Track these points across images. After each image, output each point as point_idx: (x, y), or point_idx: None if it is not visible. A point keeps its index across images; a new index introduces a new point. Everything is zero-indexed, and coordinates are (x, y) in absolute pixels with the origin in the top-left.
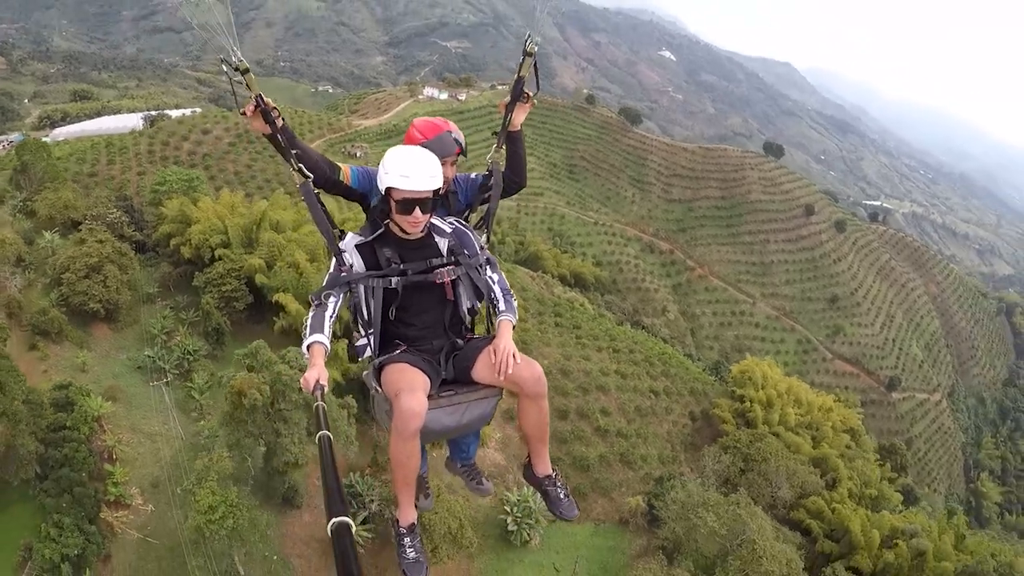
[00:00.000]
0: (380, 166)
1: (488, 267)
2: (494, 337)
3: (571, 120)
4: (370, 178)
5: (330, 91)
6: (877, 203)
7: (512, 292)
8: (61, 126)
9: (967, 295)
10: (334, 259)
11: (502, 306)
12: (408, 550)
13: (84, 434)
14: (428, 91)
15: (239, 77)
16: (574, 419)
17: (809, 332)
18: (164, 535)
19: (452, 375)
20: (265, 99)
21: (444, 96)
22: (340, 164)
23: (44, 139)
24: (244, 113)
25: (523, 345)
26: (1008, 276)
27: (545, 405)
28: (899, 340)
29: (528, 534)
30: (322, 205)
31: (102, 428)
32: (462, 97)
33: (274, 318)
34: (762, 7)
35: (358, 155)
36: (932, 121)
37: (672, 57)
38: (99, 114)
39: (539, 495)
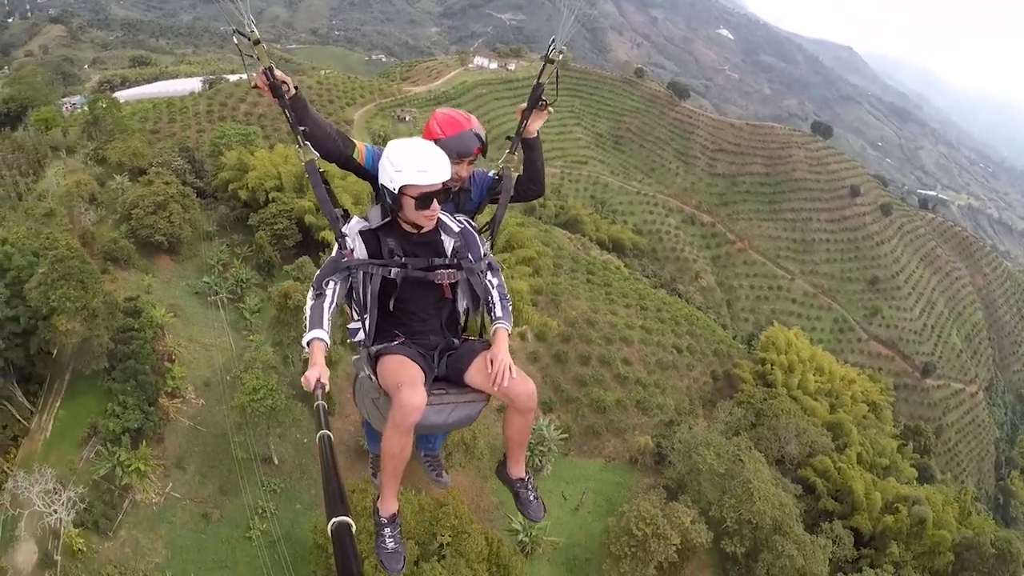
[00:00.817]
0: (388, 163)
1: (489, 271)
2: (490, 343)
3: (619, 92)
4: None
5: (383, 60)
6: (932, 193)
7: (509, 297)
8: (121, 90)
9: (1015, 290)
10: (336, 243)
11: (499, 311)
12: (388, 540)
13: (149, 336)
14: (478, 60)
15: (250, 50)
16: (595, 365)
17: (846, 311)
18: (211, 425)
19: (444, 373)
20: (275, 72)
21: (494, 66)
22: (356, 142)
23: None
24: (255, 86)
25: (553, 297)
26: None
27: (531, 418)
28: (938, 328)
29: (540, 461)
30: (327, 185)
31: (164, 335)
32: (511, 67)
33: (320, 254)
34: None
35: (406, 119)
36: (998, 114)
37: (730, 36)
38: (157, 79)
39: (512, 485)
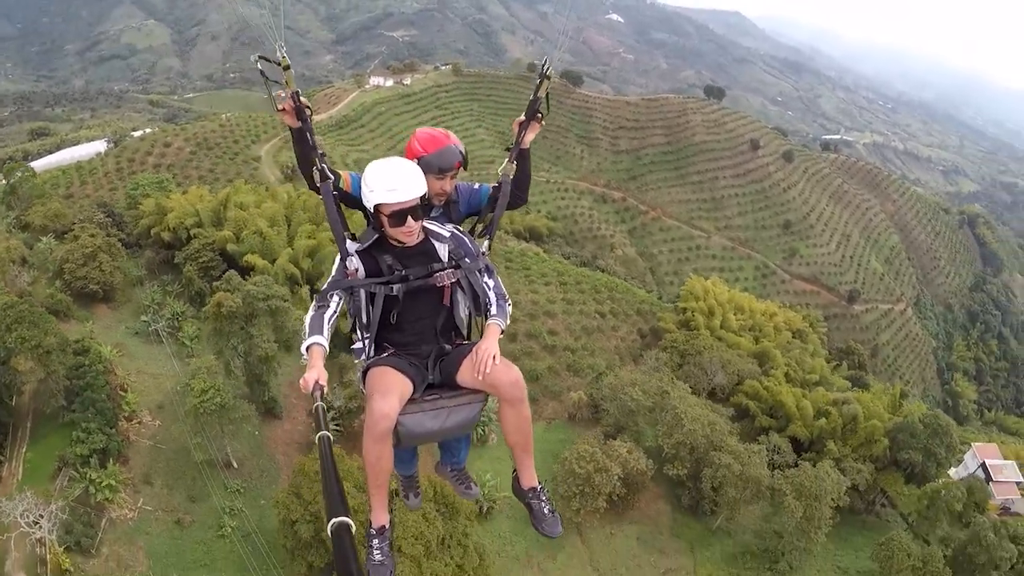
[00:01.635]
0: (363, 183)
1: (486, 273)
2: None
3: (515, 89)
4: None
5: (283, 95)
6: (837, 136)
7: (507, 298)
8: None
9: (926, 211)
10: (338, 261)
11: (494, 310)
12: (375, 552)
13: (100, 370)
14: (374, 80)
15: (278, 76)
16: (523, 340)
17: (766, 258)
18: (170, 441)
19: (439, 379)
20: (301, 97)
21: (390, 83)
22: (340, 171)
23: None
24: (282, 109)
25: None
26: (974, 192)
27: (525, 411)
28: (857, 257)
29: (484, 431)
30: (338, 207)
31: (113, 371)
32: (407, 82)
33: (245, 277)
34: None
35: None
36: (890, 56)
37: (620, 19)
38: (60, 147)
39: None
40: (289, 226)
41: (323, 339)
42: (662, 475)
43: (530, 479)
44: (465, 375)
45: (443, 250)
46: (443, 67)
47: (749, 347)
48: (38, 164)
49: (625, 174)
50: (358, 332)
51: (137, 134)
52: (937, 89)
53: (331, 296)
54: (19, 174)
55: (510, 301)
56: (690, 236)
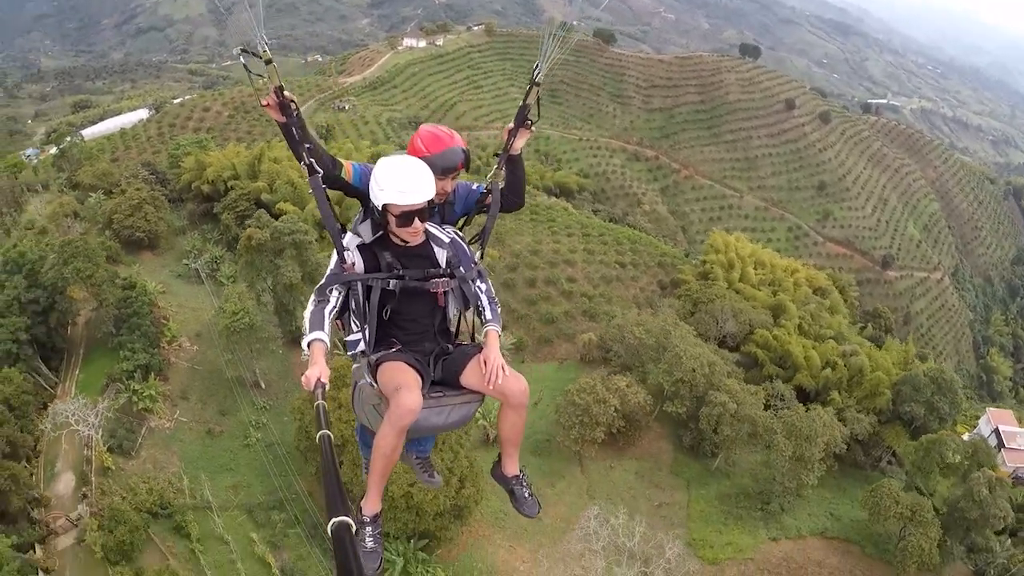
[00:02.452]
0: (373, 179)
1: (478, 278)
2: (482, 347)
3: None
4: (370, 177)
5: (319, 59)
6: (883, 101)
7: (497, 299)
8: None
9: (970, 179)
10: (335, 255)
11: (488, 315)
12: (368, 540)
13: (145, 300)
14: (407, 41)
15: (260, 69)
16: (541, 285)
17: (799, 219)
18: (206, 364)
19: (439, 377)
20: (284, 91)
21: (423, 44)
22: (343, 161)
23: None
24: (265, 104)
25: (497, 235)
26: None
27: (524, 414)
28: (893, 222)
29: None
30: (329, 201)
31: (156, 304)
32: (440, 42)
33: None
34: None
35: (346, 108)
36: (943, 20)
37: None
38: (102, 119)
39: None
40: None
41: (324, 335)
42: (666, 416)
43: (513, 468)
44: (471, 379)
45: (442, 256)
46: (476, 28)
47: (765, 300)
48: (84, 133)
49: (658, 132)
50: (354, 324)
51: (177, 101)
52: (991, 56)
53: (330, 291)
54: (68, 139)
55: (498, 301)
56: (722, 195)
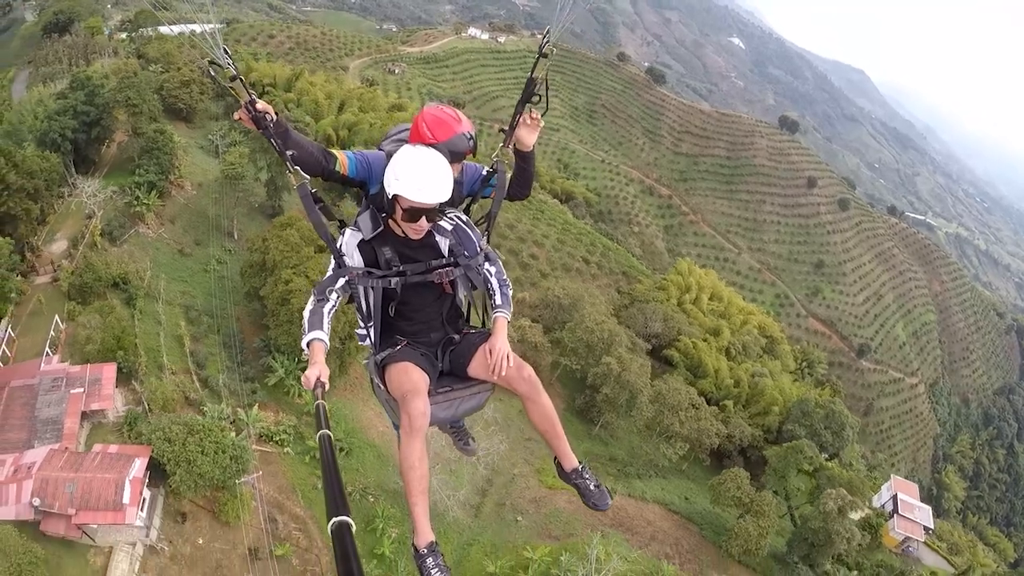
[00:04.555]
0: (390, 167)
1: (486, 261)
2: (490, 333)
3: (600, 72)
4: (369, 165)
5: (393, 30)
6: (922, 218)
7: (508, 282)
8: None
9: (975, 304)
10: (333, 258)
11: (498, 300)
12: (433, 571)
13: (168, 140)
14: (472, 31)
15: (228, 83)
16: (504, 253)
17: (789, 289)
18: (197, 206)
19: (448, 368)
20: (257, 105)
21: (485, 36)
22: (336, 153)
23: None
24: (238, 119)
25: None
26: None
27: (544, 401)
28: (882, 318)
29: None
30: (321, 204)
31: (175, 154)
32: (501, 39)
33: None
34: (845, 9)
35: (396, 72)
36: (1002, 157)
37: (741, 45)
38: (175, 23)
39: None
40: (341, 107)
41: (323, 334)
42: (568, 380)
43: (570, 462)
44: (478, 369)
45: (444, 244)
46: (538, 35)
47: (705, 322)
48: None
49: (678, 175)
50: (360, 320)
51: (248, 19)
52: None
53: (330, 291)
54: (147, 17)
55: (511, 285)
56: (721, 247)
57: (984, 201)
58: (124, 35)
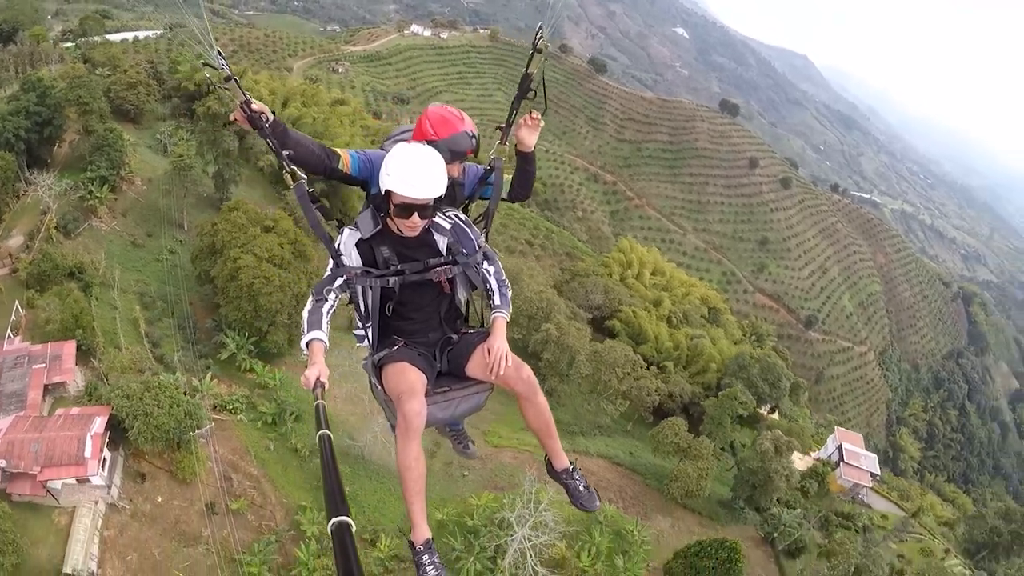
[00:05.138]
0: (384, 162)
1: (485, 260)
2: (488, 333)
3: (543, 65)
4: (372, 163)
5: (337, 30)
6: (867, 196)
7: (508, 283)
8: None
9: (920, 274)
10: (331, 258)
11: (497, 300)
12: (428, 568)
13: (117, 138)
14: (414, 28)
15: (224, 84)
16: None
17: (735, 267)
18: (148, 199)
19: (446, 368)
20: (252, 105)
21: (427, 33)
22: (339, 151)
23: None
24: (233, 119)
25: None
26: (988, 282)
27: (541, 401)
28: (828, 290)
29: None
30: (318, 204)
31: (125, 151)
32: (444, 35)
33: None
34: None
35: (339, 71)
36: (946, 136)
37: (685, 34)
38: (119, 31)
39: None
40: (285, 103)
41: (323, 334)
42: (511, 348)
43: (561, 461)
44: (476, 370)
45: (442, 243)
46: (482, 30)
47: (646, 294)
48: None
49: (622, 161)
50: (358, 321)
51: (190, 26)
52: (985, 180)
53: (328, 290)
54: (92, 22)
55: (510, 285)
56: (667, 229)
57: (928, 178)
58: (69, 44)
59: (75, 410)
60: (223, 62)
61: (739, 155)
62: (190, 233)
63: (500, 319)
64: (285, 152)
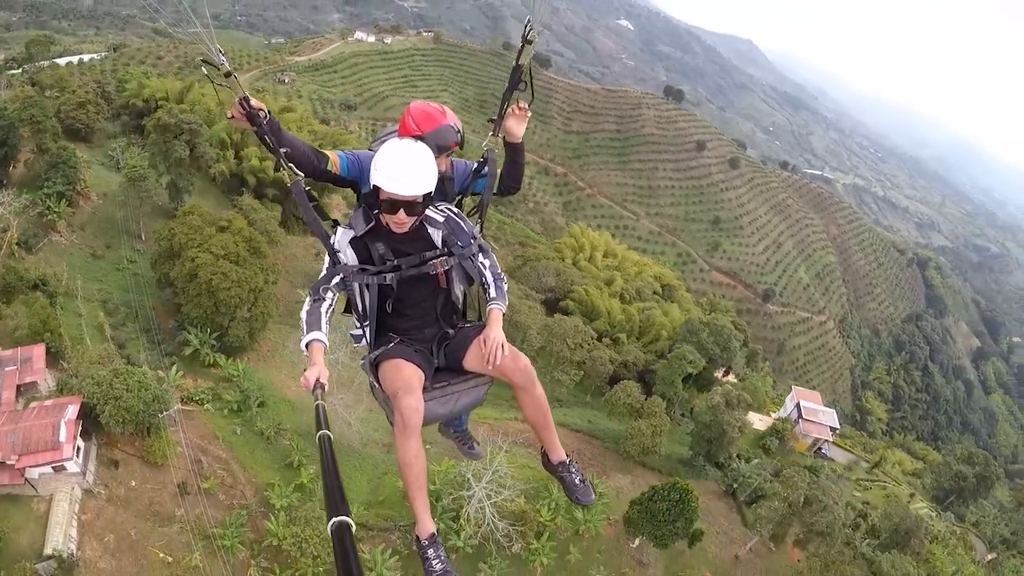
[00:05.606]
0: (373, 160)
1: (480, 253)
2: (484, 326)
3: (487, 63)
4: (360, 164)
5: (282, 43)
6: (819, 172)
7: (503, 276)
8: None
9: (874, 243)
10: (328, 257)
11: (493, 292)
12: (434, 562)
13: (71, 156)
14: (358, 34)
15: (222, 80)
16: None
17: (689, 247)
18: (105, 213)
19: (444, 363)
20: (251, 101)
21: (372, 39)
22: (328, 152)
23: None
24: (231, 116)
25: None
26: (943, 247)
27: (538, 392)
28: (784, 264)
29: None
30: (314, 202)
31: (79, 167)
32: (388, 40)
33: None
34: None
35: (286, 81)
36: (895, 111)
37: (630, 26)
38: (62, 55)
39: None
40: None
41: (322, 335)
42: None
43: (558, 454)
44: (473, 362)
45: (437, 236)
46: (426, 33)
47: (598, 274)
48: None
49: (571, 152)
50: (356, 320)
51: (136, 43)
52: (934, 150)
53: (325, 289)
54: (38, 46)
55: (506, 278)
56: (620, 216)
57: (878, 152)
58: (15, 71)
59: (48, 402)
60: (223, 59)
61: (686, 139)
62: (147, 243)
63: (496, 311)
64: (282, 150)
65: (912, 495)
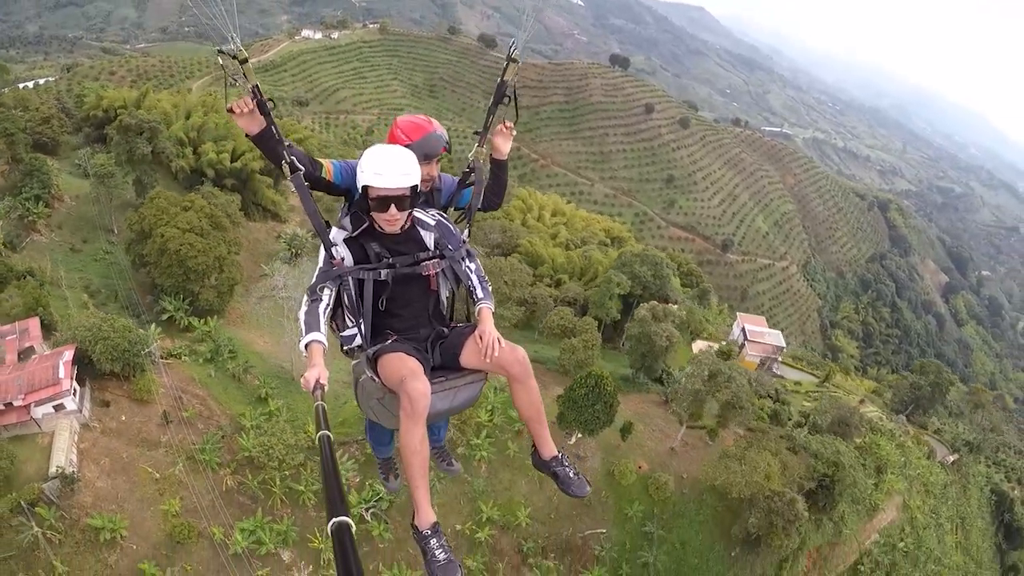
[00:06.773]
0: (359, 164)
1: (467, 258)
2: (476, 325)
3: (434, 48)
4: (352, 172)
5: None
6: (778, 129)
7: (487, 278)
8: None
9: (833, 190)
10: (324, 252)
11: (480, 293)
12: (437, 552)
13: (43, 164)
14: (305, 32)
15: (236, 69)
16: None
17: (646, 206)
18: (80, 213)
19: (439, 361)
20: (261, 90)
21: (318, 36)
22: (322, 161)
23: None
24: (232, 110)
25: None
26: (907, 191)
27: (533, 384)
28: (740, 214)
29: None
30: (312, 197)
31: (52, 175)
32: (335, 36)
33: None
34: None
35: (236, 83)
36: (851, 67)
37: (580, 2)
38: (14, 83)
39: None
40: (188, 115)
41: (321, 335)
42: None
43: (550, 449)
44: (470, 358)
45: (429, 238)
46: (372, 25)
47: (545, 230)
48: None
49: (522, 127)
50: (349, 319)
51: (88, 63)
52: (893, 99)
53: (321, 289)
54: None
55: (489, 280)
56: (575, 183)
57: (837, 105)
58: None
59: (47, 352)
60: (239, 45)
61: (634, 103)
62: (120, 235)
63: (486, 309)
64: (286, 143)
65: (862, 401)
